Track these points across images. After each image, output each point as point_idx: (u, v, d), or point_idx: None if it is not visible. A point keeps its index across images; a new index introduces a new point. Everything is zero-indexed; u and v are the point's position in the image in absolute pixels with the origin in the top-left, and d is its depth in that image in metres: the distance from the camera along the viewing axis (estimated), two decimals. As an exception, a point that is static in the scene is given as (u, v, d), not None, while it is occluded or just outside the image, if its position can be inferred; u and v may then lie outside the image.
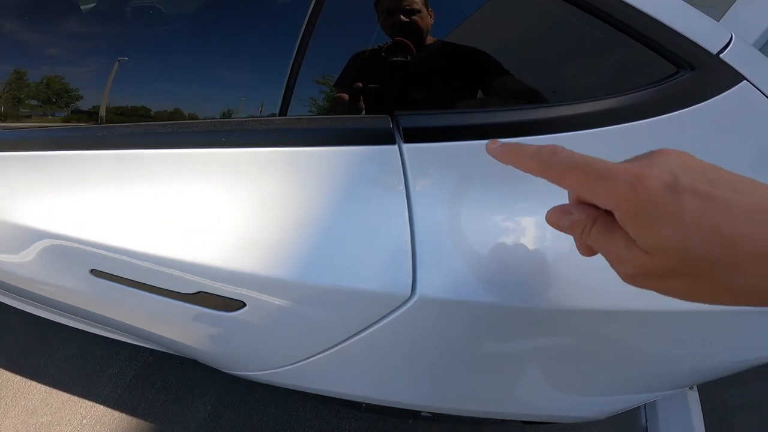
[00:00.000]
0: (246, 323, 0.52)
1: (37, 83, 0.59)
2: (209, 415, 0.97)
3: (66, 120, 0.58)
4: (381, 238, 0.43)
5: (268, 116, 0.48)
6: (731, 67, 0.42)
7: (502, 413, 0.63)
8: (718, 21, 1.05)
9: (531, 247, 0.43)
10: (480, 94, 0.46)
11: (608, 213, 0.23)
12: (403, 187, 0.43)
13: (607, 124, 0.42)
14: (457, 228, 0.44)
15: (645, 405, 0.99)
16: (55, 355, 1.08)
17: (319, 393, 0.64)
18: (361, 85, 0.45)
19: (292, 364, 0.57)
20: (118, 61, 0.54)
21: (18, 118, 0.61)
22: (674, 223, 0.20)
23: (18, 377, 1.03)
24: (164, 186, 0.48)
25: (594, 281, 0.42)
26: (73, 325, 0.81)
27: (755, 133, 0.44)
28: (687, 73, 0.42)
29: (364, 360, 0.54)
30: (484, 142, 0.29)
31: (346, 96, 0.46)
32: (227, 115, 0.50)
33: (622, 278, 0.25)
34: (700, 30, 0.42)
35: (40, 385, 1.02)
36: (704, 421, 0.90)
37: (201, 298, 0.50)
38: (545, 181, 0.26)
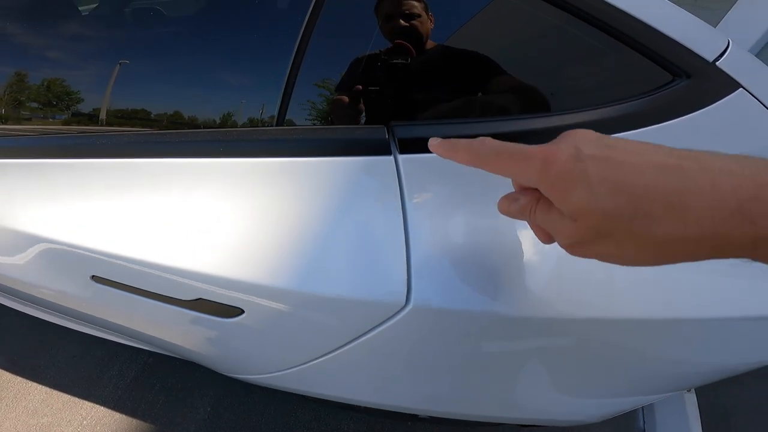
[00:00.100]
0: (245, 329, 0.52)
1: (37, 86, 0.59)
2: (209, 416, 0.97)
3: (66, 123, 0.58)
4: (376, 248, 0.43)
5: (265, 125, 0.48)
6: (728, 75, 0.42)
7: (498, 417, 0.63)
8: (716, 23, 1.05)
9: (525, 257, 0.43)
10: (480, 95, 0.46)
11: None
12: (398, 198, 0.43)
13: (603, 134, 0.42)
14: (451, 238, 0.44)
15: (642, 407, 1.00)
16: (56, 357, 1.08)
17: (318, 397, 0.65)
18: (360, 88, 0.45)
19: (291, 368, 0.57)
20: (119, 63, 0.54)
21: (18, 121, 0.61)
22: (583, 185, 0.23)
23: (18, 378, 1.03)
24: (164, 194, 0.49)
25: (589, 290, 0.42)
26: (73, 328, 0.82)
27: (751, 141, 0.44)
28: (683, 81, 0.42)
29: (362, 365, 0.54)
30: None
31: (346, 99, 0.46)
32: (227, 117, 0.50)
33: (566, 250, 0.27)
34: (696, 37, 0.42)
35: (40, 386, 1.02)
36: (702, 424, 0.90)
37: (201, 305, 0.51)
38: None
